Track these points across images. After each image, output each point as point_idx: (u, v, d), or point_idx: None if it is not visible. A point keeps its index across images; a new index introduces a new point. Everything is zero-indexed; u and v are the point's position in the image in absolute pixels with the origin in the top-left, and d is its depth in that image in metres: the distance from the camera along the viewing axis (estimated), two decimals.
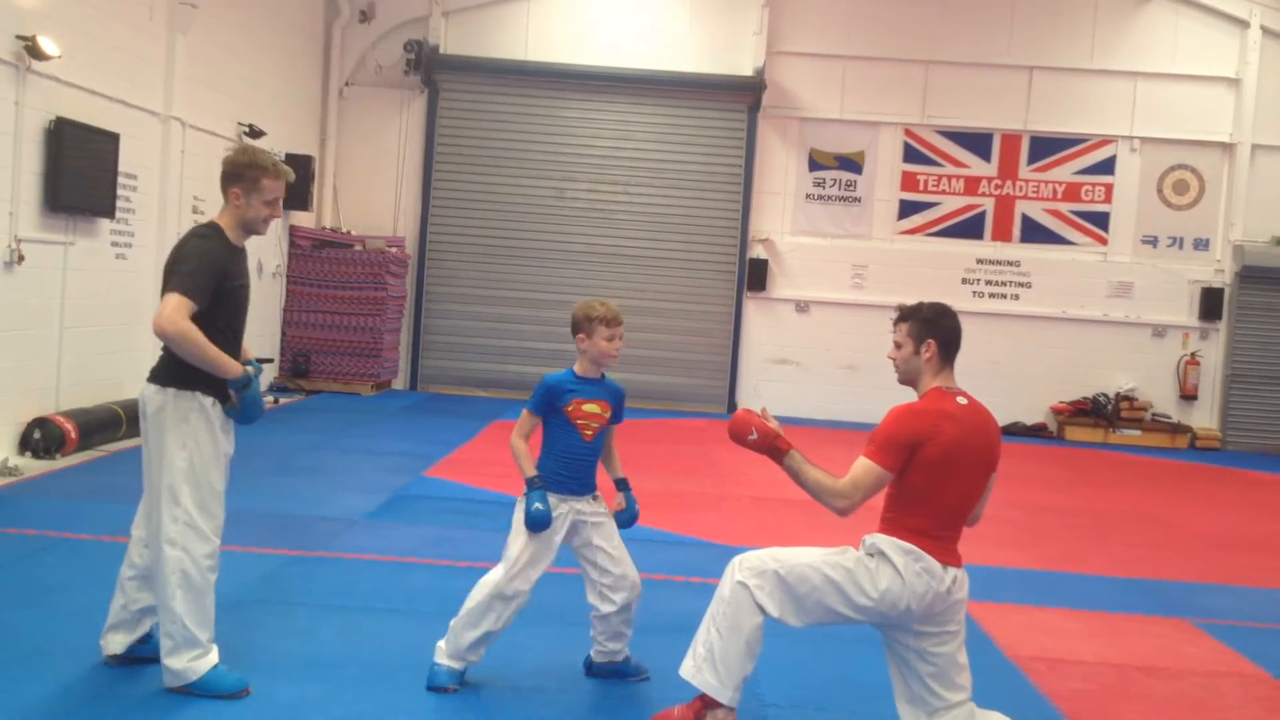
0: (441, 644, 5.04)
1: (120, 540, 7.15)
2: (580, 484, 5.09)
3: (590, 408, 5.09)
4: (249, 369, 4.83)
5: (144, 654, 5.06)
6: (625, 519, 5.23)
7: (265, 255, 15.07)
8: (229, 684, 4.79)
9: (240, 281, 4.94)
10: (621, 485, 5.29)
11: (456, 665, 5.00)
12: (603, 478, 5.21)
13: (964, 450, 4.46)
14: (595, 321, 5.08)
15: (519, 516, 5.00)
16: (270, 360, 15.41)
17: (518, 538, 4.99)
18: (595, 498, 5.14)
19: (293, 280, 16.07)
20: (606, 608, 5.10)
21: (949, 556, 4.49)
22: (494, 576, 4.98)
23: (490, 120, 17.30)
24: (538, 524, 4.91)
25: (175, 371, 4.75)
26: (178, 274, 4.69)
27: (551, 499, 5.00)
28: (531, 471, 5.02)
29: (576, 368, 5.19)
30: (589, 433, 5.08)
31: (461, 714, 4.79)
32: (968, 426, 4.49)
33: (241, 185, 4.88)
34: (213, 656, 4.81)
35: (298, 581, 6.37)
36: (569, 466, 5.07)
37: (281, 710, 4.69)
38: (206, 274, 4.71)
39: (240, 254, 5.00)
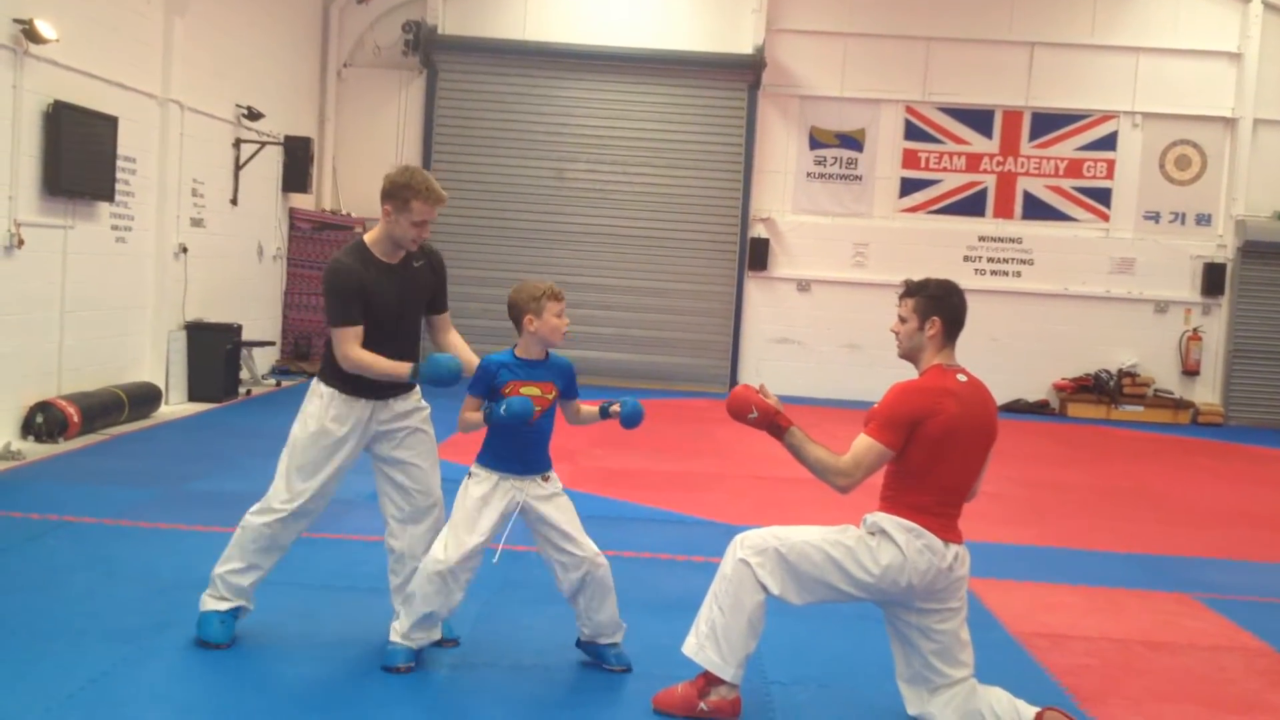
0: (395, 624, 5.01)
1: (124, 523, 7.21)
2: (524, 465, 4.95)
3: (529, 390, 4.92)
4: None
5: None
6: (629, 410, 5.05)
7: (265, 238, 15.07)
8: (211, 632, 5.09)
9: (384, 297, 5.08)
10: (604, 409, 5.11)
11: (410, 645, 4.96)
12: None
13: (964, 427, 4.47)
14: (544, 298, 4.94)
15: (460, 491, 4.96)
16: (272, 343, 15.42)
17: (461, 514, 4.92)
18: (546, 477, 5.02)
19: (293, 263, 16.05)
20: (565, 587, 5.02)
21: (950, 533, 4.50)
22: (431, 554, 4.91)
23: (489, 101, 17.25)
24: (519, 412, 4.76)
25: (322, 367, 5.27)
26: (327, 309, 5.10)
27: (493, 477, 4.92)
28: (480, 416, 4.88)
29: (518, 349, 5.04)
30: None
31: (465, 692, 4.80)
32: (968, 404, 4.50)
33: (393, 203, 5.09)
34: (220, 604, 5.11)
35: (299, 563, 6.36)
36: (511, 448, 4.92)
37: (286, 691, 4.71)
38: (345, 297, 5.02)
39: (391, 270, 5.15)
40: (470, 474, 5.00)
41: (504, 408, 4.78)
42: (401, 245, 5.16)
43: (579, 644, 5.21)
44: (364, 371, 5.01)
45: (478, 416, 4.92)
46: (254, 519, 5.16)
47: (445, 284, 5.46)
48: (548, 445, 5.06)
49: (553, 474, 5.07)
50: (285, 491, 5.13)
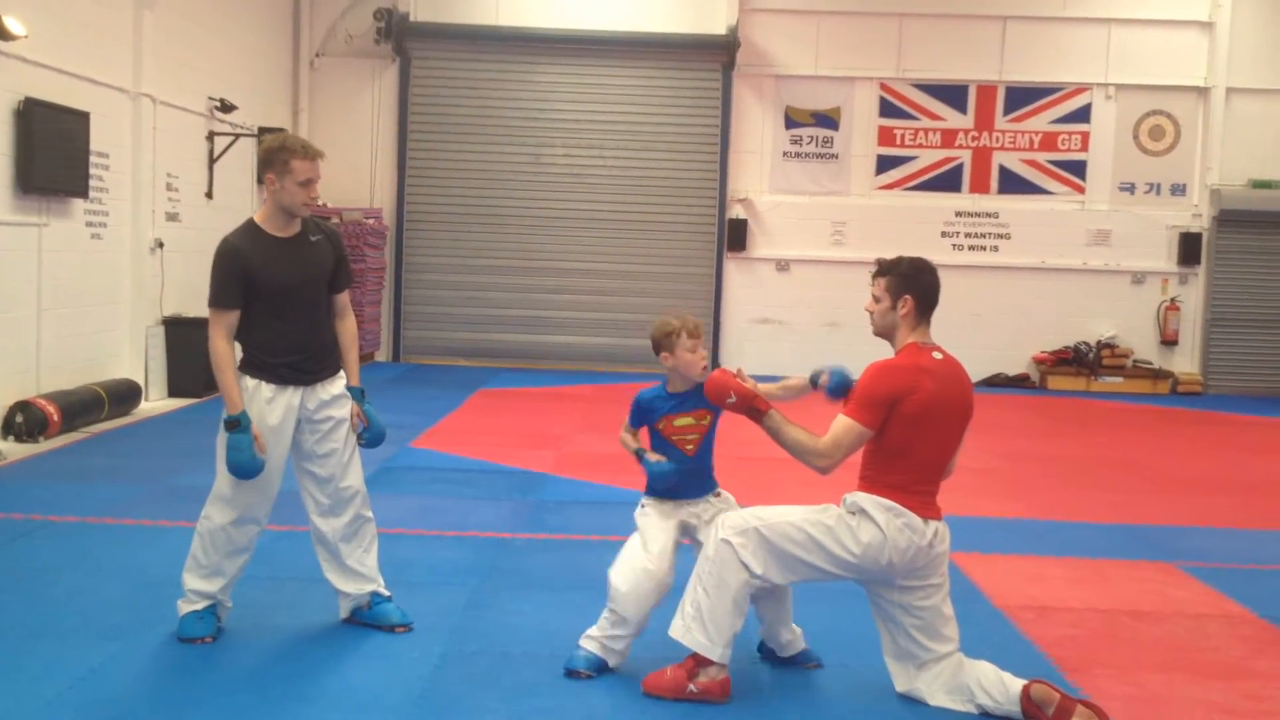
0: (593, 630, 4.95)
1: (107, 521, 7.19)
2: (689, 490, 4.97)
3: (682, 421, 4.96)
4: (244, 416, 4.98)
5: (367, 619, 5.35)
6: (835, 383, 4.89)
7: None
8: (189, 629, 5.09)
9: (277, 271, 5.05)
10: (814, 378, 4.99)
11: (598, 652, 4.90)
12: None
13: (941, 404, 4.50)
14: (674, 335, 4.92)
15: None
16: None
17: (645, 531, 4.95)
18: (717, 494, 5.03)
19: None
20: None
21: (929, 510, 4.54)
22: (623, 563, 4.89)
23: (464, 87, 17.19)
24: (659, 478, 4.85)
25: (242, 359, 5.15)
26: (210, 288, 5.05)
27: (664, 504, 4.95)
28: (636, 444, 4.98)
29: (669, 384, 5.04)
30: (689, 447, 4.94)
31: (454, 680, 4.80)
32: (944, 381, 4.53)
33: (274, 170, 5.04)
34: (194, 606, 5.11)
35: (286, 556, 6.37)
36: (676, 476, 4.93)
37: (274, 683, 4.70)
38: (225, 277, 5.03)
39: (285, 243, 5.12)
40: (641, 504, 5.02)
41: (649, 472, 4.88)
42: (294, 212, 5.11)
43: (760, 649, 5.15)
44: (214, 365, 5.02)
45: (634, 443, 5.01)
46: (204, 524, 5.15)
47: (345, 262, 5.39)
48: (711, 469, 5.08)
49: (724, 492, 5.07)
50: (229, 487, 5.10)
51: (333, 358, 5.31)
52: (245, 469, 4.94)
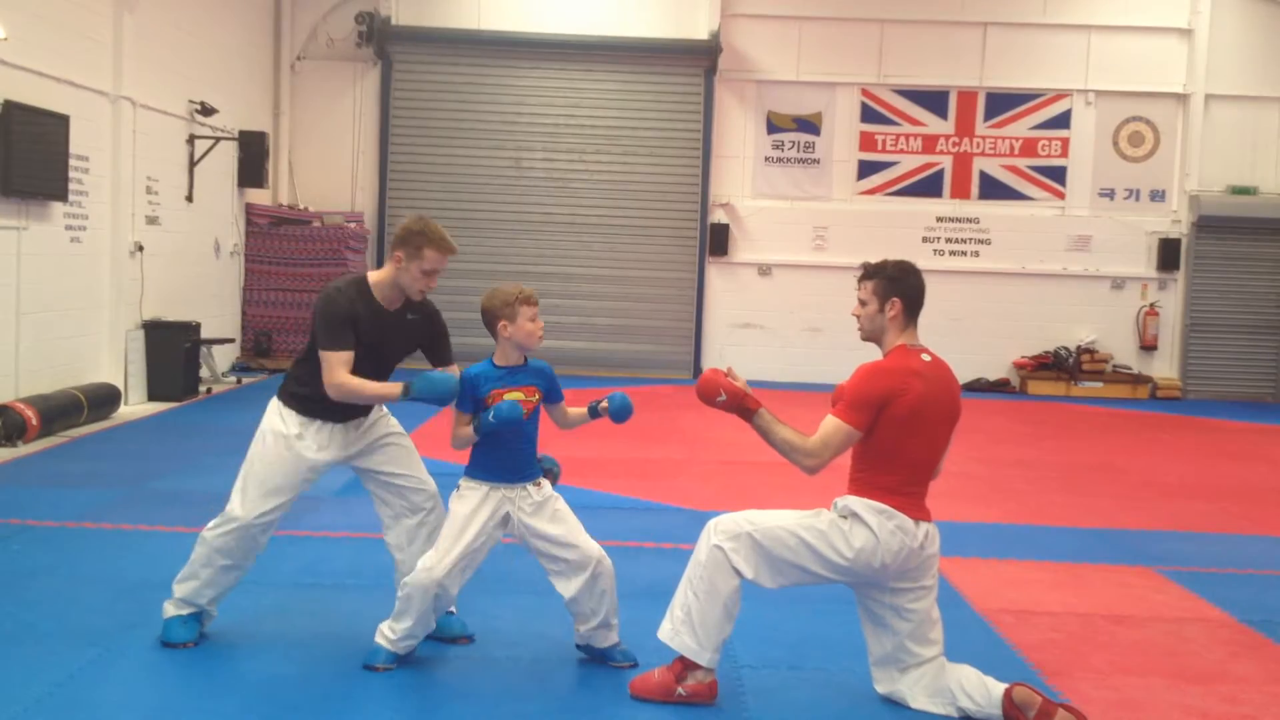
0: (383, 626, 4.96)
1: (86, 525, 7.15)
2: (511, 472, 4.91)
3: (513, 395, 4.89)
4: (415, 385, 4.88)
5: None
6: (617, 405, 5.05)
7: (222, 235, 14.95)
8: (173, 634, 5.08)
9: (367, 338, 5.01)
10: (593, 408, 5.09)
11: (394, 650, 4.93)
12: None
13: (930, 406, 4.52)
14: (517, 304, 4.87)
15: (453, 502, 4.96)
16: (231, 340, 15.31)
17: (449, 524, 4.91)
18: (538, 484, 4.97)
19: (251, 259, 15.92)
20: (566, 591, 4.93)
21: (919, 512, 4.55)
22: (420, 563, 4.87)
23: (445, 91, 17.16)
24: (508, 419, 4.76)
25: (285, 389, 5.18)
26: (318, 333, 5.00)
27: (482, 488, 4.90)
28: (471, 429, 4.87)
29: (496, 357, 4.98)
30: None
31: (437, 685, 4.80)
32: (933, 382, 4.55)
33: (406, 250, 5.02)
34: (181, 611, 5.10)
35: (268, 561, 6.30)
36: (497, 456, 4.89)
37: (256, 689, 4.68)
38: (336, 323, 4.95)
39: (384, 314, 5.08)
40: (458, 487, 4.97)
41: (492, 414, 4.78)
42: (408, 293, 5.10)
43: (578, 646, 5.14)
44: (352, 397, 4.95)
45: (469, 431, 4.90)
46: (210, 533, 5.07)
47: (444, 337, 5.38)
48: (535, 451, 5.01)
49: (545, 482, 5.01)
50: (241, 508, 5.03)
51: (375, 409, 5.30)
52: (453, 390, 4.87)
